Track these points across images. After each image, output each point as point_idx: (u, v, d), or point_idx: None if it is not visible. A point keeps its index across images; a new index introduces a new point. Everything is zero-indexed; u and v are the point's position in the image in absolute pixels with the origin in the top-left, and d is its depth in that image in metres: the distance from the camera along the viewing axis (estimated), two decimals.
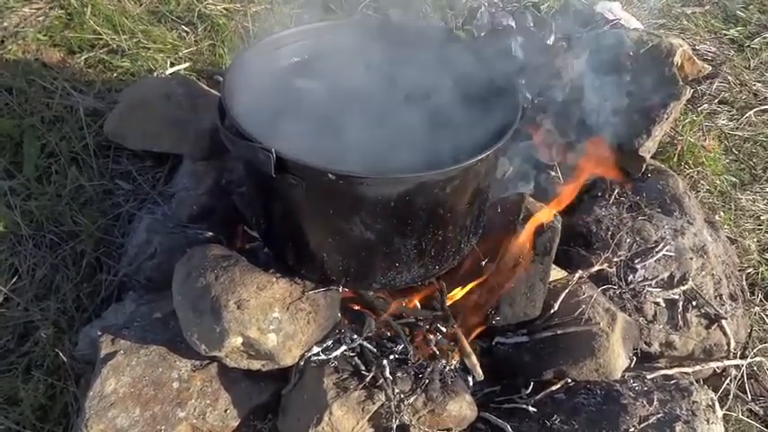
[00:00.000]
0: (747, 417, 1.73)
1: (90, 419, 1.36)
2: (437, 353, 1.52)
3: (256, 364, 1.44)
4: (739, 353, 1.80)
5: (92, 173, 2.02)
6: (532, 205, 1.67)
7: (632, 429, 1.46)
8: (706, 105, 2.67)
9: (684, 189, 2.01)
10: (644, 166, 2.00)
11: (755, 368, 1.82)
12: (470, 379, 1.55)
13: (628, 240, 1.83)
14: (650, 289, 1.76)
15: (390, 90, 1.50)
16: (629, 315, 1.69)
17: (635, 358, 1.69)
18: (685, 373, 1.66)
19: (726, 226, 2.20)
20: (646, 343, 1.71)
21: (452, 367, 1.52)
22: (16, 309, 1.74)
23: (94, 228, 1.88)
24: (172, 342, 1.50)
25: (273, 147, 1.18)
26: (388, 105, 1.47)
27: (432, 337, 1.54)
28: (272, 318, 1.37)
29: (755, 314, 1.97)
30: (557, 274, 1.70)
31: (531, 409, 1.53)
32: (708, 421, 1.51)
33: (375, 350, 1.49)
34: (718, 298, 1.81)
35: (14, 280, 1.78)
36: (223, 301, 1.35)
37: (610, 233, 1.84)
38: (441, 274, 1.52)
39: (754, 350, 1.84)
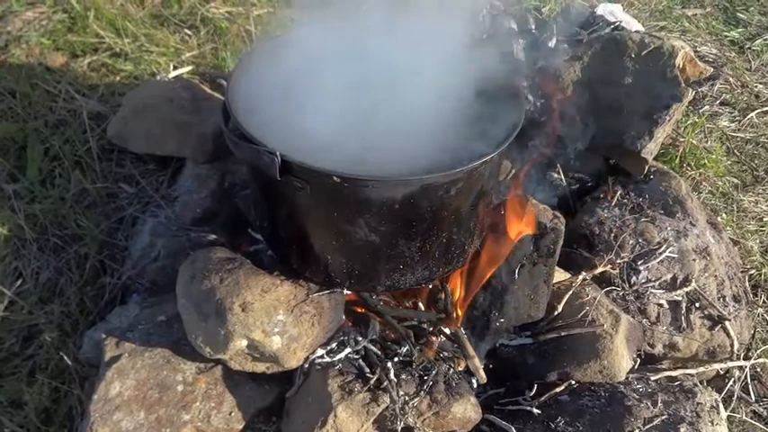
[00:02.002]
0: (751, 418, 1.73)
1: (95, 423, 1.36)
2: (442, 355, 1.52)
3: (261, 367, 1.44)
4: (743, 354, 1.80)
5: (95, 176, 2.03)
6: (536, 207, 1.67)
7: (637, 431, 1.46)
8: (707, 107, 2.68)
9: (687, 191, 2.02)
10: (646, 167, 2.00)
11: (759, 369, 1.82)
12: (475, 381, 1.55)
13: (631, 242, 1.83)
14: (653, 290, 1.76)
15: (394, 93, 1.50)
16: (633, 317, 1.69)
17: (639, 360, 1.69)
18: (689, 374, 1.66)
19: (728, 227, 2.21)
20: (649, 344, 1.71)
21: (457, 369, 1.52)
22: (20, 312, 1.74)
23: (98, 231, 1.88)
24: (176, 345, 1.50)
25: (278, 150, 1.19)
26: (391, 108, 1.47)
27: (436, 339, 1.54)
28: (277, 320, 1.37)
29: (758, 315, 1.97)
30: (560, 275, 1.71)
31: (535, 411, 1.53)
32: (712, 423, 1.51)
33: (379, 352, 1.49)
34: (721, 299, 1.81)
35: (19, 283, 1.78)
36: (228, 303, 1.35)
37: (613, 235, 1.85)
38: (445, 276, 1.52)
39: (758, 351, 1.84)
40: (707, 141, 2.50)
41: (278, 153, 1.18)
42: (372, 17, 1.62)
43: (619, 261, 1.79)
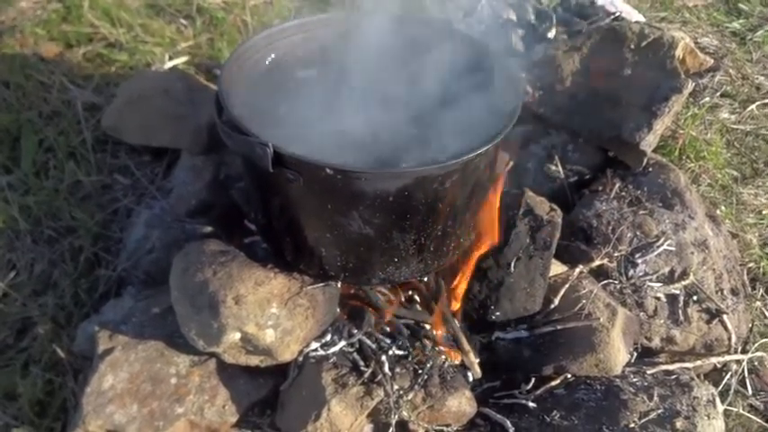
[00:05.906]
0: (748, 412, 1.72)
1: (87, 416, 1.36)
2: (437, 348, 1.52)
3: (255, 360, 1.43)
4: (740, 348, 1.79)
5: (90, 167, 2.01)
6: (532, 200, 1.66)
7: (632, 425, 1.45)
8: (708, 99, 2.65)
9: (686, 183, 2.00)
10: (645, 160, 1.99)
11: (756, 363, 1.81)
12: (470, 374, 1.54)
13: (628, 235, 1.82)
14: (651, 284, 1.75)
15: (388, 83, 1.48)
16: (630, 310, 1.68)
17: (635, 353, 1.68)
18: (686, 368, 1.65)
19: (727, 220, 2.19)
20: (646, 338, 1.70)
21: (452, 363, 1.51)
22: (14, 304, 1.74)
23: (92, 223, 1.87)
24: (170, 337, 1.49)
25: (271, 141, 1.17)
26: (386, 99, 1.45)
27: (430, 342, 1.53)
28: (270, 313, 1.36)
29: (756, 309, 1.96)
30: (557, 268, 1.70)
31: (530, 404, 1.52)
32: (708, 417, 1.50)
33: (374, 346, 1.48)
34: (719, 293, 1.80)
35: (12, 275, 1.78)
36: (221, 296, 1.34)
37: (610, 228, 1.83)
38: (440, 269, 1.51)
39: (755, 345, 1.83)
40: (707, 133, 2.48)
41: (270, 144, 1.17)
42: (368, 8, 1.61)
43: (616, 254, 1.78)
